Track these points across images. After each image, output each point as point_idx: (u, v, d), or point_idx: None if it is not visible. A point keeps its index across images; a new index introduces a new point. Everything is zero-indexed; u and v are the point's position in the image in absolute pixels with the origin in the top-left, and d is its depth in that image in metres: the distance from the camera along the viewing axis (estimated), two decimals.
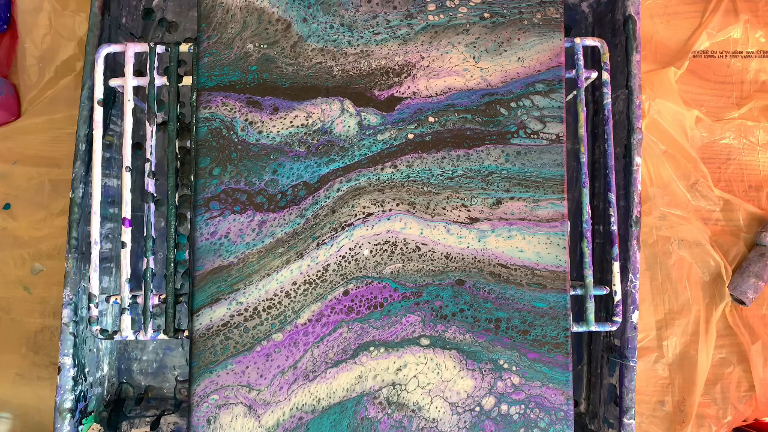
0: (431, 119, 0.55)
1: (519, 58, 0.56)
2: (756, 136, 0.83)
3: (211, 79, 0.55)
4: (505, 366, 0.54)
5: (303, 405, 0.53)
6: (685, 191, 0.80)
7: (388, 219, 0.54)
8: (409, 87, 0.55)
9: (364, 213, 0.54)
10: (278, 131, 0.55)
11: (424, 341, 0.54)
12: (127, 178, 0.55)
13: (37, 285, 0.77)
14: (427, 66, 0.56)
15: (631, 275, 0.63)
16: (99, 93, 0.57)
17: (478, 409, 0.53)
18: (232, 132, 0.54)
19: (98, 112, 0.57)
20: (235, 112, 0.54)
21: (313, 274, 0.53)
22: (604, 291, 0.58)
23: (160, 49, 0.57)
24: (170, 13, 0.77)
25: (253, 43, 0.55)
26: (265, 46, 0.55)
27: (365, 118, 0.55)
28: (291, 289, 0.53)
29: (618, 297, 0.58)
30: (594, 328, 0.57)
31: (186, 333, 0.55)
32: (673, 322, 0.79)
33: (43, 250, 0.77)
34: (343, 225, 0.54)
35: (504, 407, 0.53)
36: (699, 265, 0.80)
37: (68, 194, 0.64)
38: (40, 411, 0.75)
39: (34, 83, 0.80)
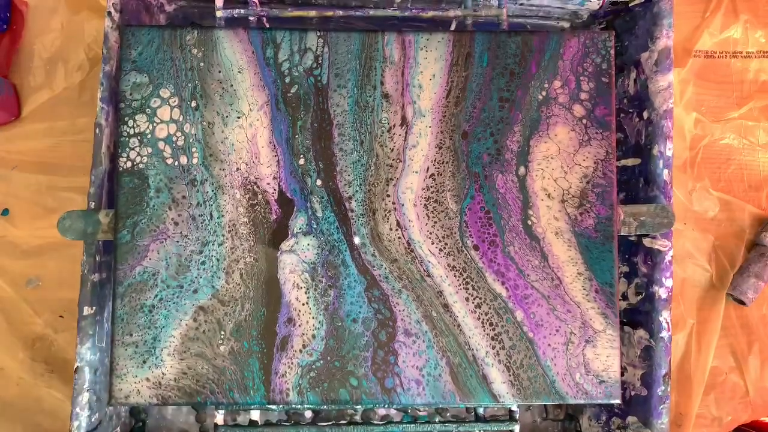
0: None
1: None
2: (756, 136, 0.83)
3: None
4: None
5: None
6: (682, 198, 0.81)
7: None
8: None
9: None
10: None
11: None
12: None
13: (35, 291, 0.77)
14: None
15: None
16: None
17: None
18: None
19: None
20: None
21: None
22: None
23: None
24: None
25: None
26: None
27: None
28: None
29: None
30: None
31: None
32: (673, 322, 0.79)
33: (41, 257, 0.77)
34: None
35: None
36: (698, 265, 0.80)
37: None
38: (40, 416, 0.75)
39: (38, 86, 0.79)
